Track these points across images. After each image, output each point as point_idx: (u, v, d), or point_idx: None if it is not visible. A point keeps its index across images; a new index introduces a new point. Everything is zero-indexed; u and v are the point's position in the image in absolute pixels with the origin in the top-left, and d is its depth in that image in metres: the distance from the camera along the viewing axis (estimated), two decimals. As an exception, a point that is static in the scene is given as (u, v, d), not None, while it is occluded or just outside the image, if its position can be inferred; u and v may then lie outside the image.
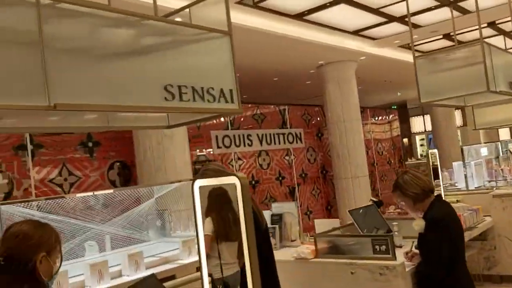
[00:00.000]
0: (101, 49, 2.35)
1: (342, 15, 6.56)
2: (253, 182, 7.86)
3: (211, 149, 7.26)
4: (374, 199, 4.57)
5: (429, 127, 16.16)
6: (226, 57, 3.14)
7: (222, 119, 7.50)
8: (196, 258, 2.88)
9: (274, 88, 9.88)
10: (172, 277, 3.15)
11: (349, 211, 3.79)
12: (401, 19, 7.01)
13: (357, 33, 7.49)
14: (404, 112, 15.90)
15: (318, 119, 9.65)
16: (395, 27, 7.59)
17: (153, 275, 2.68)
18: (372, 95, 13.31)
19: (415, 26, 7.13)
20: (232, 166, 7.52)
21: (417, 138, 17.82)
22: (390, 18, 7.00)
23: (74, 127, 3.18)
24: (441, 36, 8.39)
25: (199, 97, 2.92)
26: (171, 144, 5.81)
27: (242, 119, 7.83)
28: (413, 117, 16.92)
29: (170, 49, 2.81)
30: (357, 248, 3.15)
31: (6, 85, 1.91)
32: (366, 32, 7.60)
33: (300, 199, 8.70)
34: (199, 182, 1.69)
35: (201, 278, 1.77)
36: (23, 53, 1.99)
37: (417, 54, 4.73)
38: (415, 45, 6.50)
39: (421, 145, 17.88)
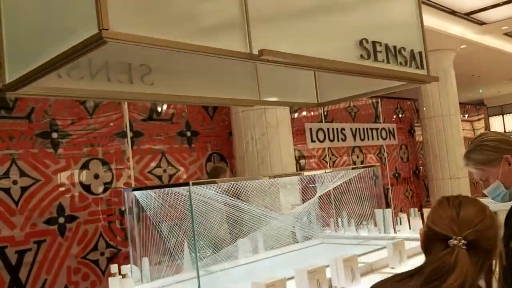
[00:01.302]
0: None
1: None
2: (348, 180, 7.22)
3: (305, 143, 6.69)
4: None
5: (509, 128, 15.06)
6: (414, 15, 2.63)
7: (310, 112, 6.93)
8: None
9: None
10: None
11: None
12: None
13: (468, 15, 6.76)
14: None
15: (410, 114, 8.91)
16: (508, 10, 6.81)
17: None
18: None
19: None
20: (326, 162, 6.92)
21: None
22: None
23: (229, 99, 2.68)
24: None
25: (393, 57, 2.39)
26: (276, 134, 5.28)
27: (335, 112, 7.23)
28: (491, 117, 15.83)
29: (363, 2, 2.31)
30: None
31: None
32: (477, 15, 6.86)
33: (394, 201, 8.00)
34: None
35: None
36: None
37: None
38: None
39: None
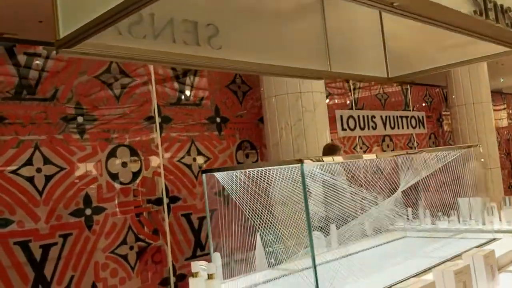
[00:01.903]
0: None
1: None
2: (379, 171, 6.87)
3: (335, 132, 6.33)
4: None
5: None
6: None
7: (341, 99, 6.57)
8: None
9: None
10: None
11: None
12: None
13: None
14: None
15: (439, 101, 8.54)
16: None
17: None
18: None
19: None
20: (357, 152, 6.56)
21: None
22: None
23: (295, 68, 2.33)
24: None
25: (502, 16, 2.02)
26: (313, 120, 4.92)
27: (366, 99, 6.87)
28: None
29: None
30: None
31: None
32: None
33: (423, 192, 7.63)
34: None
35: None
36: None
37: None
38: None
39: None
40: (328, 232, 2.23)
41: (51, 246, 3.75)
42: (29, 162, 3.70)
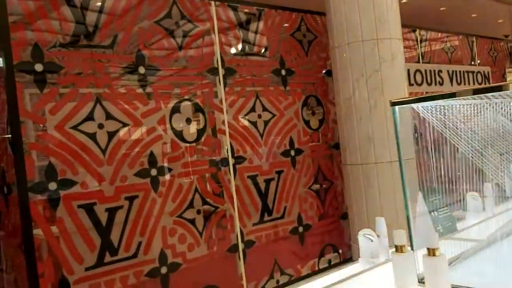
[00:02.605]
0: None
1: None
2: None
3: (400, 87, 5.80)
4: None
5: None
6: None
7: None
8: None
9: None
10: None
11: None
12: None
13: None
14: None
15: (503, 56, 7.88)
16: None
17: None
18: None
19: None
20: (422, 109, 6.03)
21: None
22: None
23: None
24: None
25: None
26: (392, 71, 4.42)
27: (432, 52, 6.29)
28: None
29: None
30: None
31: None
32: None
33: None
34: None
35: None
36: None
37: None
38: None
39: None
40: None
41: (117, 209, 3.40)
42: (90, 117, 3.31)
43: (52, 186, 3.12)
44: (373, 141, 4.40)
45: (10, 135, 3.04)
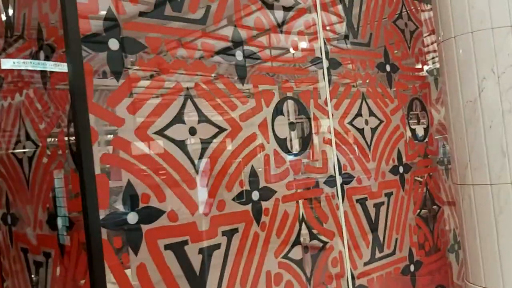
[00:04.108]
0: None
1: None
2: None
3: None
4: None
5: None
6: None
7: None
8: None
9: None
10: None
11: None
12: None
13: None
14: None
15: None
16: None
17: None
18: None
19: None
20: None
21: None
22: None
23: None
24: None
25: None
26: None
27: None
28: None
29: None
30: None
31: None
32: None
33: None
34: None
35: None
36: None
37: None
38: None
39: None
40: None
41: (214, 249, 2.40)
42: (178, 119, 2.32)
43: (132, 218, 2.11)
44: (507, 155, 3.45)
45: (69, 142, 2.05)
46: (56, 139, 2.13)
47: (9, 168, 2.67)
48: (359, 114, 3.35)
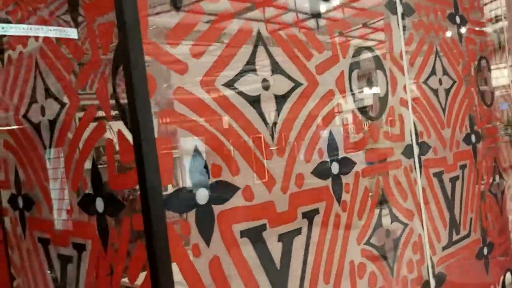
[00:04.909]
0: None
1: None
2: None
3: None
4: None
5: None
6: None
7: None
8: None
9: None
10: None
11: None
12: None
13: None
14: None
15: None
16: None
17: None
18: None
19: None
20: None
21: None
22: None
23: None
24: None
25: None
26: None
27: None
28: None
29: None
30: None
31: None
32: None
33: None
34: None
35: None
36: None
37: None
38: None
39: None
40: None
41: (294, 235, 1.87)
42: (250, 68, 1.77)
43: (203, 196, 1.57)
44: None
45: (115, 94, 1.49)
46: (94, 93, 1.57)
47: (20, 138, 2.10)
48: (433, 72, 2.82)
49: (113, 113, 1.52)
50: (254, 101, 1.77)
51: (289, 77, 1.91)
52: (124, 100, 1.44)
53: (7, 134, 2.17)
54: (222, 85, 1.67)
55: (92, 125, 1.62)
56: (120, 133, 1.47)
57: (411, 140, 2.56)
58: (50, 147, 1.87)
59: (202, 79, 1.61)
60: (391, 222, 2.38)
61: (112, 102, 1.51)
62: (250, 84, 1.75)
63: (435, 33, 2.89)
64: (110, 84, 1.50)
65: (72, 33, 1.68)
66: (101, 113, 1.59)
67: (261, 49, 1.82)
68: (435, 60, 2.84)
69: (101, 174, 1.63)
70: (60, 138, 1.80)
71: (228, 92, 1.68)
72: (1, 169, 2.28)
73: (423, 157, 2.64)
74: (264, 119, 1.80)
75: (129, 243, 1.54)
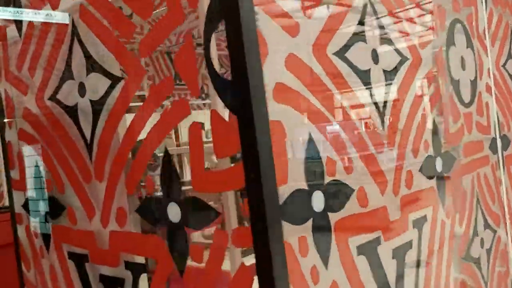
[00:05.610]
0: None
1: None
2: None
3: None
4: None
5: None
6: None
7: None
8: None
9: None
10: None
11: None
12: None
13: None
14: None
15: None
16: None
17: None
18: None
19: None
20: None
21: None
22: None
23: None
24: None
25: None
26: None
27: None
28: None
29: None
30: None
31: None
32: None
33: None
34: None
35: None
36: None
37: None
38: None
39: None
40: None
41: (406, 249, 1.48)
42: (358, 39, 1.38)
43: (318, 202, 1.16)
44: None
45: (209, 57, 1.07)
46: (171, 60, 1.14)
47: (44, 126, 1.65)
48: (510, 55, 2.47)
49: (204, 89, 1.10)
50: (365, 76, 1.37)
51: (396, 50, 1.52)
52: (222, 69, 1.03)
53: (25, 121, 1.73)
54: (333, 54, 1.27)
55: (165, 104, 1.19)
56: (215, 115, 1.05)
57: (495, 133, 2.20)
58: (92, 137, 1.44)
59: (314, 45, 1.20)
60: (484, 229, 2.01)
61: (203, 72, 1.09)
62: (360, 55, 1.35)
63: (510, 12, 2.53)
64: (200, 48, 1.07)
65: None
66: (180, 90, 1.16)
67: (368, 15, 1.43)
68: (511, 41, 2.49)
69: (176, 171, 1.21)
70: (110, 125, 1.37)
71: (339, 64, 1.28)
72: (15, 166, 1.83)
73: (505, 153, 2.28)
74: (374, 101, 1.40)
75: (220, 267, 1.13)
